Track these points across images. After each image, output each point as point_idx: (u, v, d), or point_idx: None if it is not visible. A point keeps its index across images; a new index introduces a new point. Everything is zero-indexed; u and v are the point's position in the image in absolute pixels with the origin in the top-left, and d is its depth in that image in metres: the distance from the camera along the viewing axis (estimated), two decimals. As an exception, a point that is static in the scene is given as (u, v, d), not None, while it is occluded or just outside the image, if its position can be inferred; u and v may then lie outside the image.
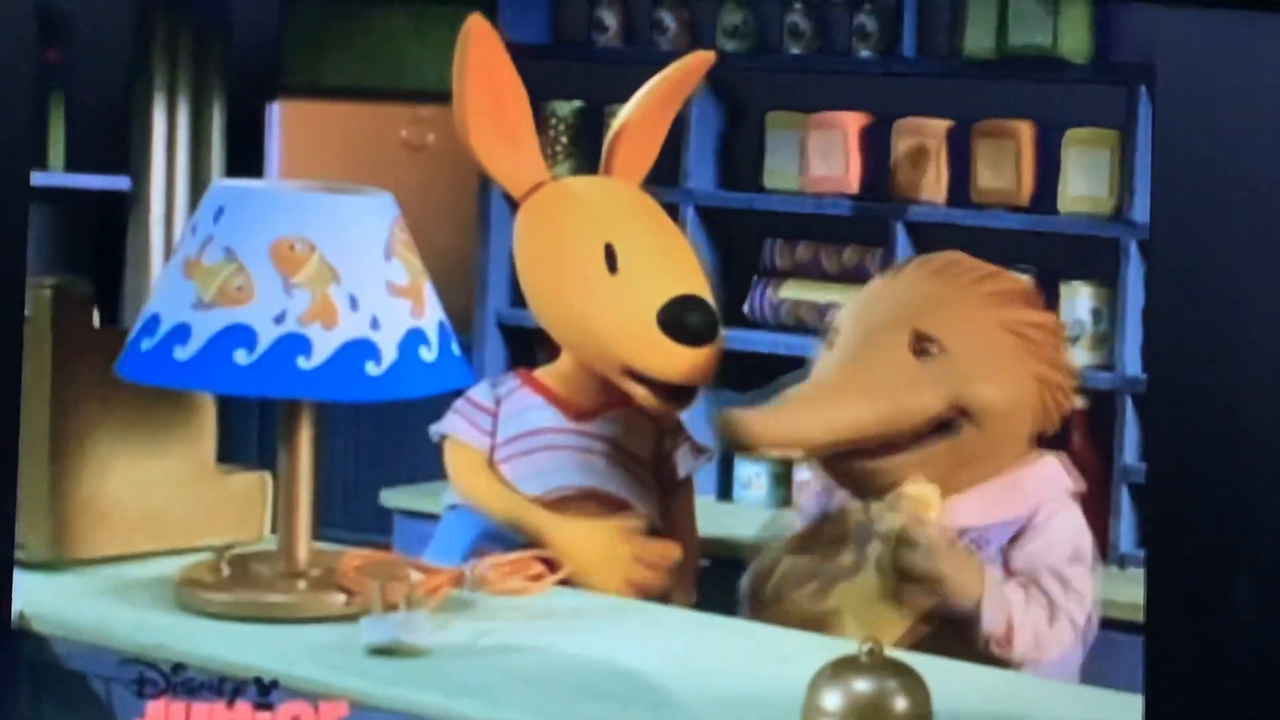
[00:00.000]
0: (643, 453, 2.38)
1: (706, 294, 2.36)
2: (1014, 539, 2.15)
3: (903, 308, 2.21)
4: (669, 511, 2.39)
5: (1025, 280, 2.29)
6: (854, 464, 2.16)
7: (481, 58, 2.31)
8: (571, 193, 2.40)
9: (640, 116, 2.45)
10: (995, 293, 2.20)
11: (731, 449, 2.25)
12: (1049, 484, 2.18)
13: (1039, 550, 2.14)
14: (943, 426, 2.15)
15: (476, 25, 2.33)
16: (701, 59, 2.52)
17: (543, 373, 2.42)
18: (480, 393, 2.39)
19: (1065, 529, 2.15)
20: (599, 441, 2.35)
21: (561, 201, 2.38)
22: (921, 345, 2.15)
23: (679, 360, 2.30)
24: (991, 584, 2.09)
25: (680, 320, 2.29)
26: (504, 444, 2.36)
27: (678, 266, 2.37)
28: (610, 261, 2.33)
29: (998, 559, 2.14)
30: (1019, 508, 2.16)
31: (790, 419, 2.16)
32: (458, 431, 2.37)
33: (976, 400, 2.13)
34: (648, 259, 2.34)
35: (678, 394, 2.34)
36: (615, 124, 2.48)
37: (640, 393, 2.32)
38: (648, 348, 2.30)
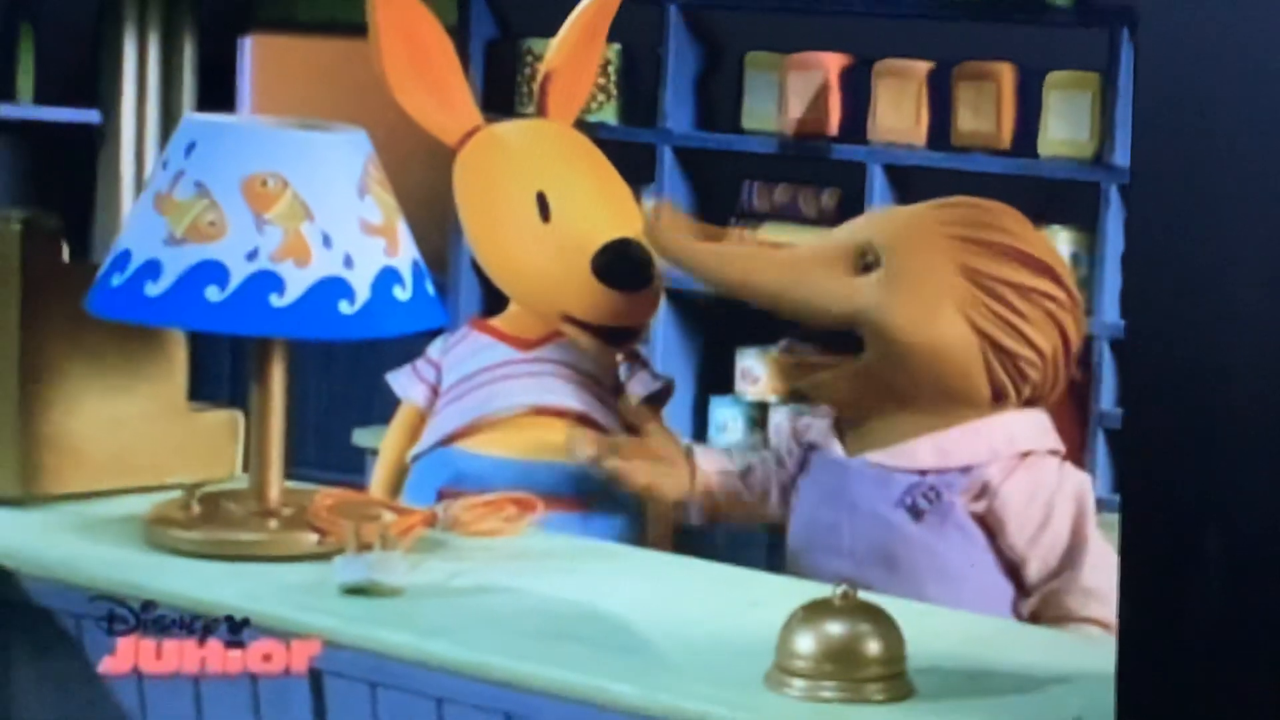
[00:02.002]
0: (602, 376, 2.38)
1: (635, 231, 2.36)
2: (991, 511, 2.09)
3: (875, 222, 2.21)
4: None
5: (1045, 250, 2.15)
6: (790, 359, 2.21)
7: (392, 12, 2.31)
8: (501, 141, 2.40)
9: (565, 56, 2.45)
10: (977, 240, 2.12)
11: (648, 242, 2.33)
12: (1014, 438, 2.11)
13: (1050, 544, 2.07)
14: (856, 345, 2.13)
15: None
16: None
17: (496, 318, 2.43)
18: (432, 347, 2.42)
19: (1065, 507, 2.08)
20: (550, 364, 2.35)
21: (492, 150, 2.38)
22: (865, 258, 2.13)
23: (615, 305, 2.31)
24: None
25: (613, 266, 2.30)
26: (451, 387, 2.37)
27: (612, 210, 2.37)
28: (543, 210, 2.33)
29: (954, 507, 2.11)
30: (979, 454, 2.10)
31: (700, 246, 2.23)
32: (395, 385, 2.41)
33: (881, 325, 2.09)
34: (580, 204, 2.34)
35: (618, 336, 2.34)
36: (542, 67, 2.48)
37: (581, 337, 2.33)
38: (583, 294, 2.30)
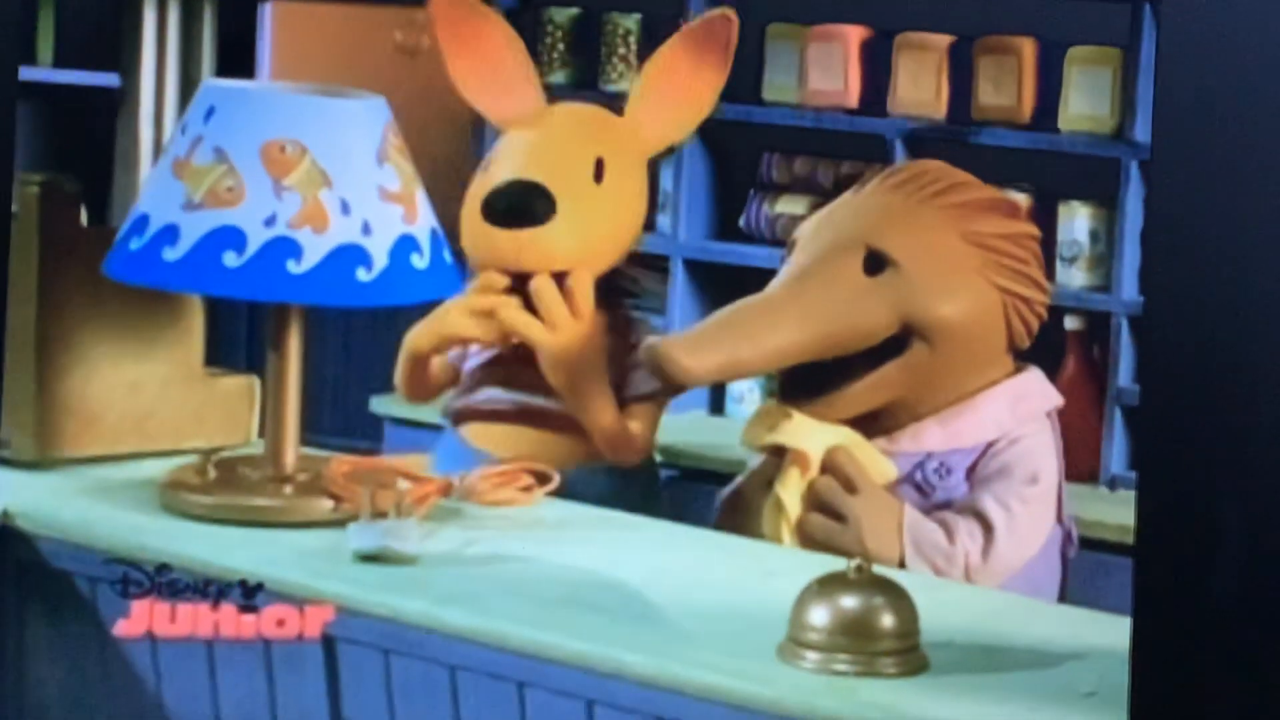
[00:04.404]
0: (613, 370, 2.34)
1: (549, 178, 2.23)
2: (976, 464, 2.13)
3: (859, 224, 2.15)
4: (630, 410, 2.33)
5: (995, 190, 2.21)
6: (806, 402, 2.09)
7: (451, 18, 2.28)
8: None
9: (656, 71, 2.39)
10: (959, 204, 2.15)
11: (663, 382, 2.16)
12: (1017, 406, 2.13)
13: (993, 475, 2.11)
14: (893, 348, 2.11)
15: None
16: (725, 19, 2.45)
17: None
18: None
19: (1024, 453, 2.11)
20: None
21: None
22: (875, 263, 2.11)
23: (500, 243, 2.22)
24: (910, 542, 2.05)
25: (489, 202, 2.23)
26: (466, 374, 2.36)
27: (533, 159, 2.25)
28: (485, 169, 2.31)
29: (962, 485, 2.12)
30: (983, 432, 2.12)
31: (721, 345, 2.07)
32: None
33: (927, 317, 2.08)
34: (510, 159, 2.28)
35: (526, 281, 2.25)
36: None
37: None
38: (474, 236, 2.26)
